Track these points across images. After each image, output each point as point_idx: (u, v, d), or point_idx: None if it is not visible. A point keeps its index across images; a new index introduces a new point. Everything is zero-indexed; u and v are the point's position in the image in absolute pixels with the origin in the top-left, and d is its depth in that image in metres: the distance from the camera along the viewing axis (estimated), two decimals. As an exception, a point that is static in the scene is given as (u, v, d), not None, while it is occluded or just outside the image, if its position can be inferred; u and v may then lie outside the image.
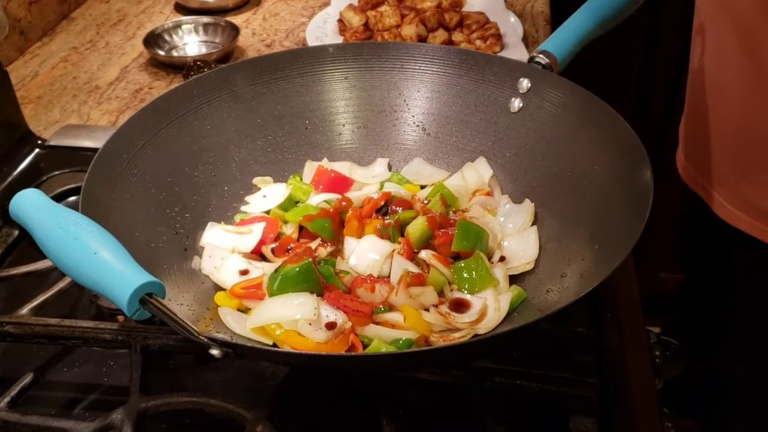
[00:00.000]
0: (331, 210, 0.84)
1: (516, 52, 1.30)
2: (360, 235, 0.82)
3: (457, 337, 0.71)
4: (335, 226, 0.83)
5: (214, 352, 0.60)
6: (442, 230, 0.79)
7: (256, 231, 0.83)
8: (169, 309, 0.59)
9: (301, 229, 0.84)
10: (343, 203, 0.85)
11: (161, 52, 1.38)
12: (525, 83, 0.89)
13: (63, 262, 0.60)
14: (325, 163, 0.93)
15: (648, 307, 0.86)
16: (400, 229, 0.81)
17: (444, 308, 0.74)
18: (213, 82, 0.90)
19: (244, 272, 0.79)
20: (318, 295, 0.73)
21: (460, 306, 0.74)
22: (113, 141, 0.79)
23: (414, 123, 0.95)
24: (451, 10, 1.37)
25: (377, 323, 0.72)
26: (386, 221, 0.82)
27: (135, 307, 0.57)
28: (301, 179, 0.92)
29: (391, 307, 0.73)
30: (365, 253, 0.79)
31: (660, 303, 1.32)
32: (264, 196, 0.89)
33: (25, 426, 0.70)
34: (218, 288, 0.79)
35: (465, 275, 0.76)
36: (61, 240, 0.60)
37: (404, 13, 1.35)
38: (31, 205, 0.64)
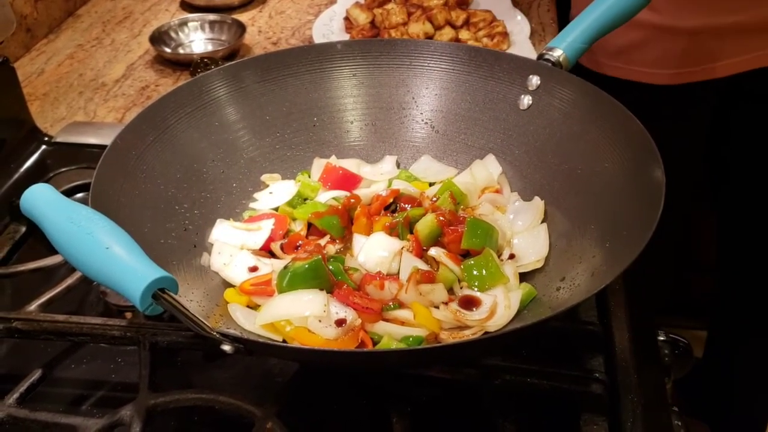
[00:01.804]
0: (340, 207, 0.83)
1: (523, 50, 1.29)
2: (369, 232, 0.82)
3: (467, 335, 0.71)
4: (344, 223, 0.83)
5: (226, 347, 0.60)
6: (452, 227, 0.79)
7: (265, 228, 0.83)
8: (182, 304, 0.59)
9: (309, 226, 0.84)
10: (352, 200, 0.85)
11: (167, 50, 1.38)
12: (534, 80, 0.88)
13: (75, 257, 0.60)
14: (333, 160, 0.93)
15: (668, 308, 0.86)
16: (409, 226, 0.81)
17: (454, 305, 0.73)
18: (221, 78, 0.90)
19: (253, 269, 0.78)
20: (327, 292, 0.72)
21: (470, 303, 0.74)
22: (122, 137, 0.79)
23: (422, 120, 0.95)
24: (458, 7, 1.37)
25: (387, 320, 0.72)
26: (395, 219, 0.82)
27: (148, 302, 0.57)
28: (309, 176, 0.91)
29: (400, 305, 0.73)
30: (374, 251, 0.79)
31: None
32: (271, 193, 0.89)
33: (33, 422, 0.70)
34: (227, 284, 0.78)
35: (475, 272, 0.76)
36: (72, 235, 0.60)
37: (411, 11, 1.35)
38: (42, 200, 0.64)
